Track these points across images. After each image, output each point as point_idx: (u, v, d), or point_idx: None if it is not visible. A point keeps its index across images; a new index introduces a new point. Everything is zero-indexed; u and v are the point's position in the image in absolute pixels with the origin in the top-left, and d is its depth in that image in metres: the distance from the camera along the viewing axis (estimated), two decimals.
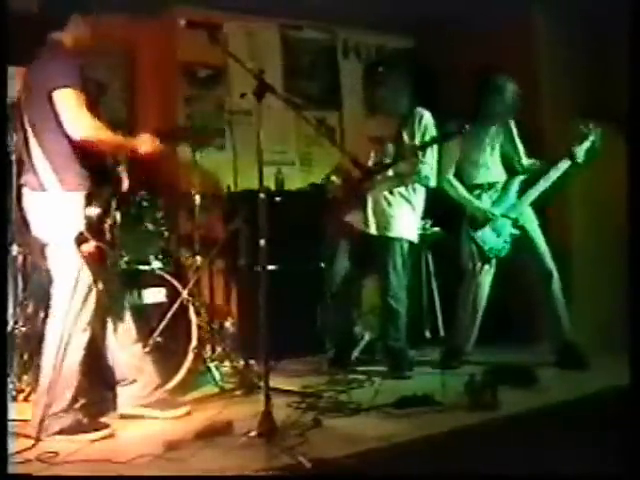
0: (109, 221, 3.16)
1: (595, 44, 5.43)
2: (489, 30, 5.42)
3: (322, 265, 4.72)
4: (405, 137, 4.33)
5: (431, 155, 4.33)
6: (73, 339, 3.12)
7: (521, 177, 4.46)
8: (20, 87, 3.26)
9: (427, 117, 4.38)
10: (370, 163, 4.35)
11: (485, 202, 4.42)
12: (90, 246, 3.09)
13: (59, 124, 3.11)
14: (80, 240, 3.09)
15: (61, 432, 3.09)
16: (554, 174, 4.33)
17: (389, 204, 4.32)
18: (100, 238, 3.11)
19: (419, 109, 4.40)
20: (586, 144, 4.29)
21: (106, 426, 3.19)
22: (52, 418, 3.08)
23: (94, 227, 3.09)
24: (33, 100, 3.17)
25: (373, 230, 4.32)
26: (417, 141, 4.31)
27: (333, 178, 4.47)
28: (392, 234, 4.31)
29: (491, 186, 4.46)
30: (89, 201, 3.11)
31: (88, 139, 3.10)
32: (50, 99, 3.09)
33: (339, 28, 6.16)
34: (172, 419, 3.43)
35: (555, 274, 4.34)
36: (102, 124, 3.15)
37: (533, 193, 4.38)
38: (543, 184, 4.35)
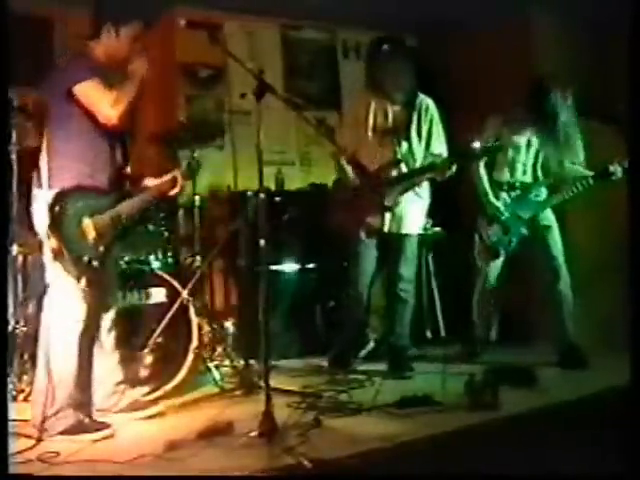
0: (88, 222, 3.13)
1: (595, 44, 5.43)
2: (489, 30, 5.42)
3: (345, 264, 4.69)
4: (412, 131, 4.32)
5: (442, 147, 4.36)
6: (62, 336, 3.12)
7: (547, 181, 4.48)
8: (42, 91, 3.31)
9: (432, 106, 4.38)
10: (378, 159, 4.31)
11: (501, 200, 4.44)
12: (53, 242, 3.09)
13: (77, 121, 3.15)
14: (48, 236, 3.12)
15: (63, 432, 3.08)
16: (582, 185, 4.34)
17: (404, 205, 4.32)
18: (59, 237, 3.07)
19: (422, 97, 4.38)
20: (625, 163, 4.23)
21: (107, 426, 3.18)
22: (54, 418, 3.08)
23: (56, 224, 3.07)
24: (51, 101, 3.22)
25: (388, 229, 4.32)
26: (424, 132, 4.32)
27: (344, 175, 4.42)
28: (404, 231, 4.34)
29: (511, 186, 4.48)
30: (56, 199, 3.08)
31: (123, 117, 3.14)
32: (69, 96, 3.13)
33: (339, 28, 6.17)
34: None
35: (564, 277, 4.36)
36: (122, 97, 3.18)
37: (556, 198, 4.42)
38: (569, 192, 4.37)
